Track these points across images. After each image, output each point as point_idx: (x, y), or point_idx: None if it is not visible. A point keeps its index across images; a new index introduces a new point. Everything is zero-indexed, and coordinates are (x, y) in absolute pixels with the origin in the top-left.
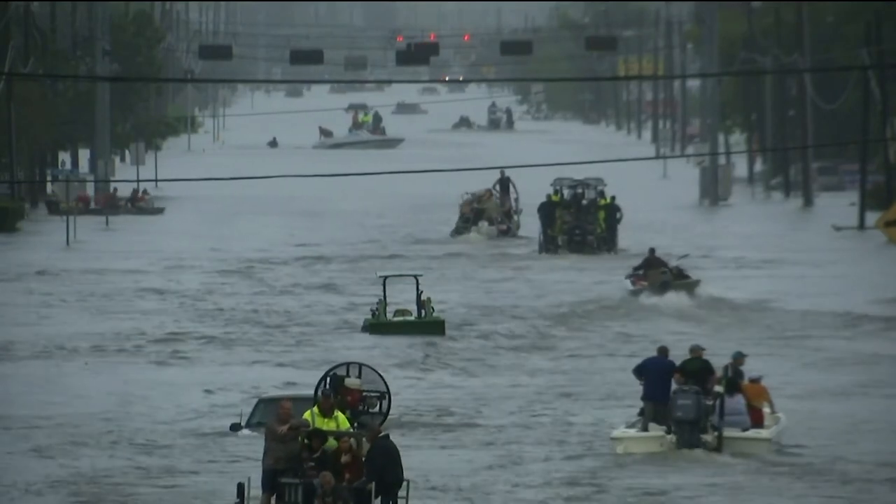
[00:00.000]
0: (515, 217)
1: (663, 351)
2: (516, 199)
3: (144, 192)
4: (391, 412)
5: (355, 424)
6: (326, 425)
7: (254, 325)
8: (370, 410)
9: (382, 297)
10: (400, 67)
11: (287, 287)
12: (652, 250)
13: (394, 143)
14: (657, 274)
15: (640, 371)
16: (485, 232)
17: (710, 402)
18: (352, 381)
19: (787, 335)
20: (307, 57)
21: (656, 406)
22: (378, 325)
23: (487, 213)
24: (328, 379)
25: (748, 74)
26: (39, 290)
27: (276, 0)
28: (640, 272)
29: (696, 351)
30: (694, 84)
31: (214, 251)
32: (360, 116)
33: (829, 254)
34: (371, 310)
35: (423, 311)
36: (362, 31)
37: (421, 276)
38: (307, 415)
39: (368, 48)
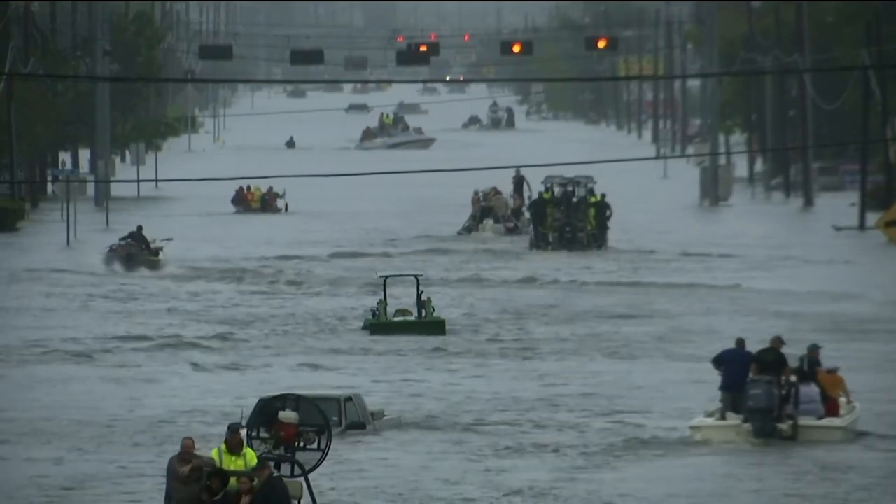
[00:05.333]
0: (527, 214)
1: (741, 342)
2: (530, 197)
3: (270, 189)
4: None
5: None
6: (234, 464)
7: (253, 325)
8: (307, 447)
9: (383, 297)
10: (400, 67)
11: (287, 287)
12: (139, 227)
13: (427, 142)
14: (125, 246)
15: (718, 362)
16: (490, 229)
17: (783, 392)
18: (287, 415)
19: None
20: (307, 57)
21: (734, 396)
22: (378, 325)
23: (494, 211)
24: (260, 412)
25: (748, 74)
26: (40, 290)
27: (276, 0)
28: (126, 242)
29: (774, 342)
30: (694, 84)
31: (213, 251)
32: (384, 118)
33: (829, 253)
34: (371, 310)
35: (423, 311)
36: (362, 32)
37: (421, 276)
38: (214, 453)
39: (368, 48)
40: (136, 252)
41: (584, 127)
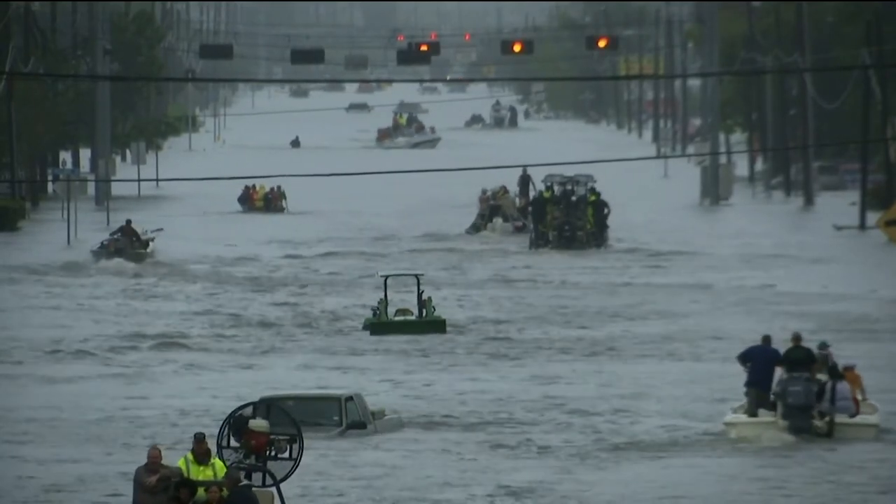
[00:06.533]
0: None
1: (767, 339)
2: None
3: (273, 189)
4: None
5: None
6: (202, 474)
7: (253, 325)
8: (279, 456)
9: (383, 297)
10: (401, 67)
11: (287, 287)
12: (128, 221)
13: (434, 142)
14: (115, 241)
15: (744, 358)
16: (499, 228)
17: (814, 389)
18: (257, 423)
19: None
20: (308, 56)
21: (759, 393)
22: (379, 325)
23: (503, 209)
24: (231, 420)
25: (749, 74)
26: (39, 289)
27: (276, 0)
28: (115, 237)
29: (796, 339)
30: (695, 83)
31: (213, 250)
32: (398, 118)
33: (830, 252)
34: (372, 309)
35: (423, 311)
36: (363, 31)
37: (422, 275)
38: (181, 462)
39: (369, 48)
40: (125, 246)
41: (585, 126)
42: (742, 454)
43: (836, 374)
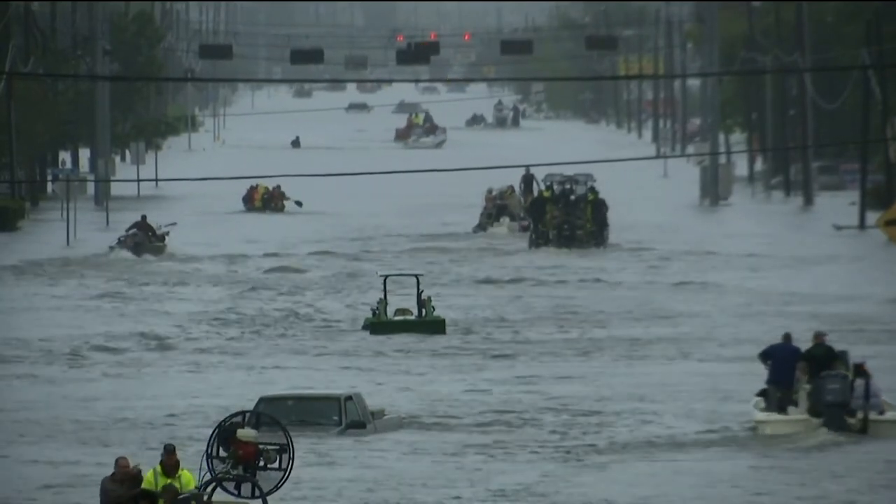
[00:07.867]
0: None
1: (788, 337)
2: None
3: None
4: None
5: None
6: None
7: (252, 325)
8: (269, 466)
9: (383, 297)
10: (400, 66)
11: (287, 287)
12: (143, 216)
13: (440, 142)
14: (132, 236)
15: (766, 356)
16: (507, 227)
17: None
18: (246, 433)
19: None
20: (308, 56)
21: (782, 390)
22: (379, 325)
23: (509, 209)
24: (219, 430)
25: (748, 74)
26: (38, 290)
27: (276, 0)
28: (132, 232)
29: (819, 337)
30: (694, 83)
31: (212, 250)
32: (413, 118)
33: (829, 252)
34: (371, 309)
35: (423, 311)
36: (362, 31)
37: (422, 275)
38: (149, 474)
39: (369, 48)
40: (143, 241)
41: (585, 126)
42: (781, 452)
43: (862, 371)
